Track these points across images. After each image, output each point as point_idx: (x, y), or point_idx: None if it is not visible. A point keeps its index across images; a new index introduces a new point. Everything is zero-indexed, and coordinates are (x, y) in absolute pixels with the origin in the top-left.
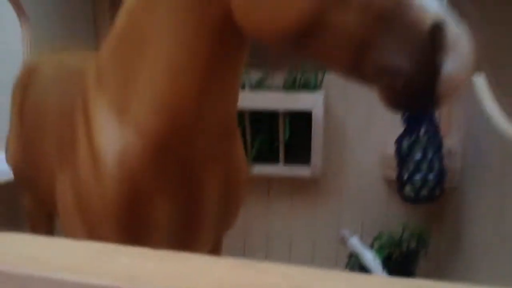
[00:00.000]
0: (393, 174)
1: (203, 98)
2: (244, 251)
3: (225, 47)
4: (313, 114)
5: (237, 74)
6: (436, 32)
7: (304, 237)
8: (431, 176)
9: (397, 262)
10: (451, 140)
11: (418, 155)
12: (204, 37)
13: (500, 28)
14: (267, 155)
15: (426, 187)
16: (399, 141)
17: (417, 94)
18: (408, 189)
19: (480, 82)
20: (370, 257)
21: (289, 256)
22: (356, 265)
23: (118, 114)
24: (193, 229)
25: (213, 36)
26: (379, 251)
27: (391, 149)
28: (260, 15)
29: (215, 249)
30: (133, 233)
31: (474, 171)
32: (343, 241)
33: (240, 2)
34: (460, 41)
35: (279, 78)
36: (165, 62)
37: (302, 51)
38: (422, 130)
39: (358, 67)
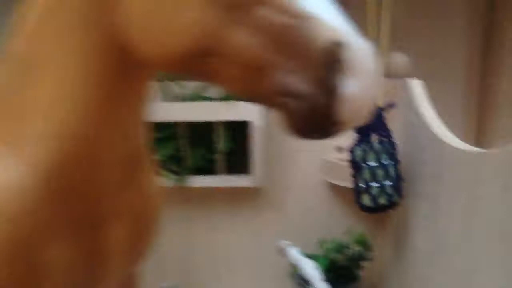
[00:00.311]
0: (335, 180)
1: (100, 127)
2: (187, 263)
3: (121, 72)
4: (252, 124)
5: (140, 101)
6: (333, 52)
7: (248, 247)
8: (387, 183)
9: (342, 268)
10: None
11: (372, 163)
12: (95, 62)
13: (436, 38)
14: (207, 166)
15: (384, 194)
16: (352, 150)
17: (316, 118)
18: (365, 198)
19: (417, 87)
20: (309, 267)
21: (232, 267)
22: (296, 275)
23: (7, 145)
24: (97, 271)
25: (106, 62)
26: (323, 257)
27: (332, 154)
28: (150, 36)
29: (128, 282)
30: (22, 281)
31: (413, 176)
32: (281, 253)
33: (129, 23)
34: (361, 61)
35: (216, 89)
36: (55, 88)
37: (197, 74)
38: (375, 137)
39: (257, 90)
